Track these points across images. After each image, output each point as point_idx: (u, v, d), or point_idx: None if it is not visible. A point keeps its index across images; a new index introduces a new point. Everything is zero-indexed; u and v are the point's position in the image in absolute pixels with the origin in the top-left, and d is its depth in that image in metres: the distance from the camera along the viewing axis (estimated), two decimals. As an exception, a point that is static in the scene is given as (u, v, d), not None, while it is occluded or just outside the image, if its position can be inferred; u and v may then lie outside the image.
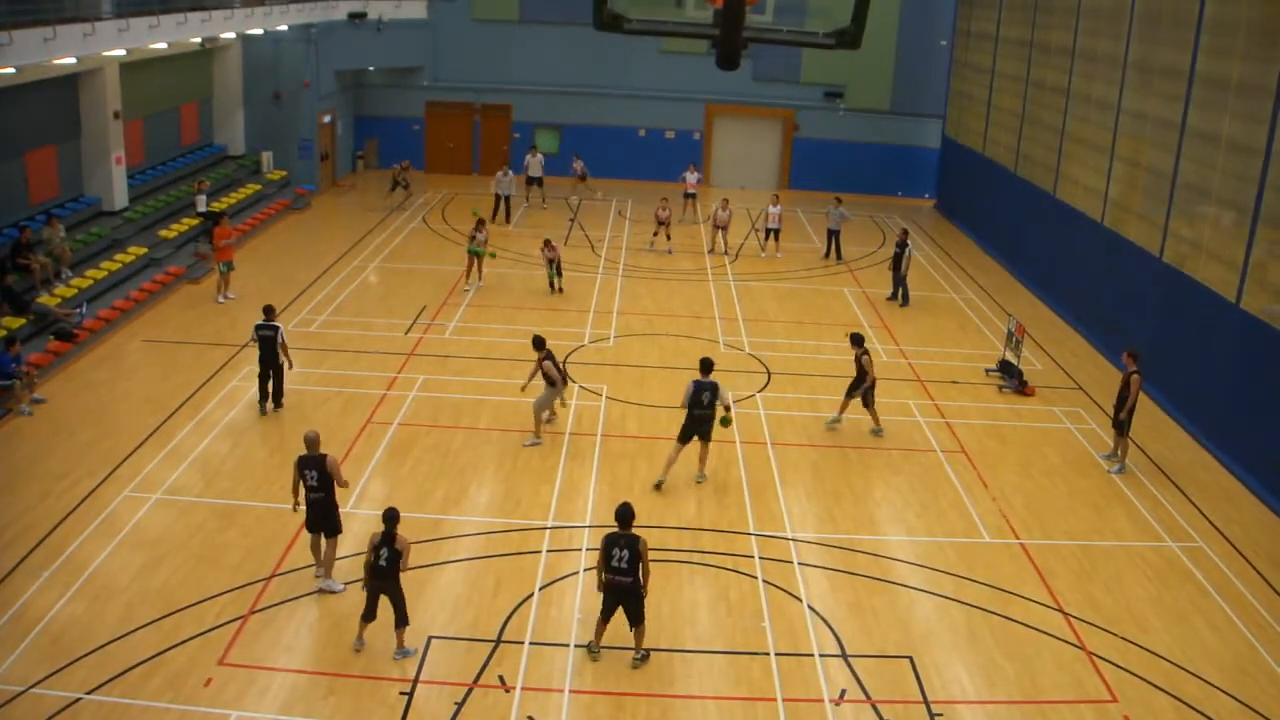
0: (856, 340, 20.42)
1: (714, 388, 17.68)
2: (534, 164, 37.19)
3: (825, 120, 42.66)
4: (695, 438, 17.99)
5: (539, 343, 19.29)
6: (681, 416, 17.89)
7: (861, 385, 20.14)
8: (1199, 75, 22.19)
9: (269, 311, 20.23)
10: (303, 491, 14.58)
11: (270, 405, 20.21)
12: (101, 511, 16.31)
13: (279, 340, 19.76)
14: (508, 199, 34.99)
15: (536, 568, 15.46)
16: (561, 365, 20.06)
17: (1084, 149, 28.27)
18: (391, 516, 13.10)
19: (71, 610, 13.87)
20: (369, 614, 13.28)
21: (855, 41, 16.43)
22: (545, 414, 19.65)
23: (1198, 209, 22.25)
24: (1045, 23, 31.66)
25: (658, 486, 17.84)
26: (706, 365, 18.05)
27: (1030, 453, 20.17)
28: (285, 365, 20.10)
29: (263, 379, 20.17)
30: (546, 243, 28.51)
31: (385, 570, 13.03)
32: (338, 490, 14.60)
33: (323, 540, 14.69)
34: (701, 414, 17.71)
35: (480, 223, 28.84)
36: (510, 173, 35.65)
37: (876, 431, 20.48)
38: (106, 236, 27.13)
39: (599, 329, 25.61)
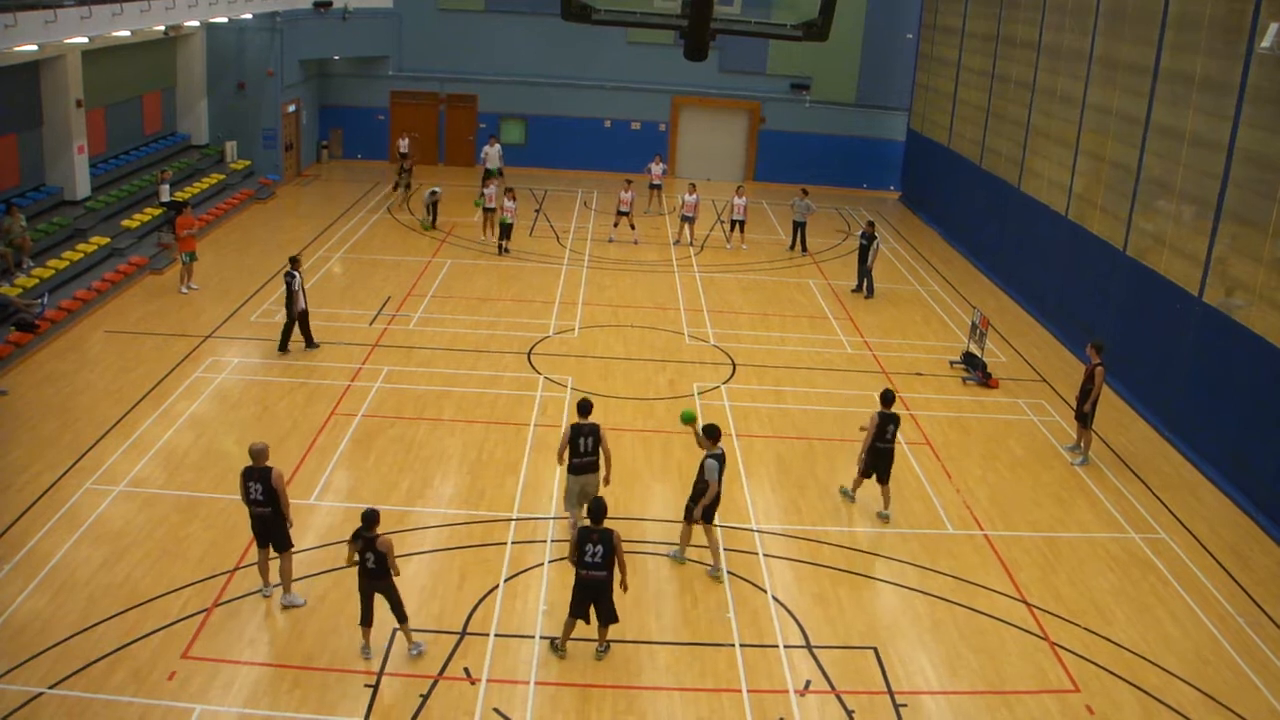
0: (888, 399, 17.21)
1: (722, 457, 15.12)
2: (492, 155, 36.92)
3: (791, 112, 42.75)
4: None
5: (581, 408, 16.04)
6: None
7: (884, 460, 17.16)
8: (1163, 71, 22.36)
9: (294, 261, 22.51)
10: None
11: (304, 347, 22.56)
12: (63, 504, 16.14)
13: (295, 286, 21.87)
14: (435, 205, 33.74)
15: (502, 560, 15.42)
16: (572, 440, 15.52)
17: (1049, 143, 28.45)
18: (370, 519, 12.75)
19: (33, 604, 13.72)
20: (366, 618, 13.08)
21: (823, 34, 16.45)
22: (571, 515, 15.63)
23: (1161, 203, 22.44)
24: (1011, 17, 31.83)
25: (680, 561, 15.68)
26: (715, 432, 15.24)
27: (994, 445, 20.30)
28: (302, 307, 22.17)
29: (291, 322, 22.38)
30: (509, 191, 29.80)
31: (376, 571, 12.85)
32: (287, 508, 13.92)
33: (271, 553, 14.10)
34: (703, 487, 15.21)
35: (487, 175, 29.15)
36: (438, 188, 33.90)
37: (885, 515, 17.36)
38: (68, 226, 26.81)
39: (564, 320, 25.54)
